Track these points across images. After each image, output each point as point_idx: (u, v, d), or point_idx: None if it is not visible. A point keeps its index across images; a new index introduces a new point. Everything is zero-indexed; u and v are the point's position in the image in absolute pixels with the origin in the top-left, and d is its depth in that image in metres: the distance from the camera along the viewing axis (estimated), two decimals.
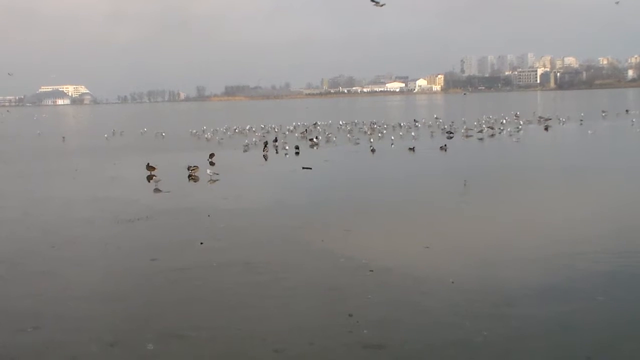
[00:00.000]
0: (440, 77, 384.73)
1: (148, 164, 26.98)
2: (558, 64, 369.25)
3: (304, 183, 24.67)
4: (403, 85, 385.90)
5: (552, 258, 12.68)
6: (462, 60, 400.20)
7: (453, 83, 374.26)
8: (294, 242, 14.53)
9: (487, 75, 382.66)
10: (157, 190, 23.04)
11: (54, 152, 42.74)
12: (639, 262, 12.35)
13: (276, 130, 53.91)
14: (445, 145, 35.51)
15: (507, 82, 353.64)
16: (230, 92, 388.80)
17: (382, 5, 27.34)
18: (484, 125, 48.94)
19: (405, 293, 10.92)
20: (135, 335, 9.41)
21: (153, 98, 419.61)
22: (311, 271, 12.32)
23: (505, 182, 23.70)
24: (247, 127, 56.85)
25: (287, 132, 51.37)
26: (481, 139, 41.67)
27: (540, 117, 59.02)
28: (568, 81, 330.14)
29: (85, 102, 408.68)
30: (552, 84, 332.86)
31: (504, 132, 45.58)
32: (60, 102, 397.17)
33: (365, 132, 48.02)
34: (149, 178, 25.58)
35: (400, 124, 54.90)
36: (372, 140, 39.84)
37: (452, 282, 11.31)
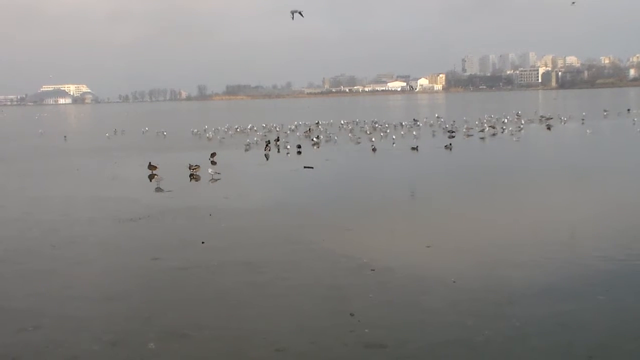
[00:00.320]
0: (442, 76, 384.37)
1: (149, 163, 27.00)
2: (560, 63, 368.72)
3: (305, 182, 24.67)
4: (404, 84, 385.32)
5: (553, 257, 12.67)
6: (463, 60, 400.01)
7: (454, 82, 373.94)
8: (295, 242, 14.52)
9: (488, 74, 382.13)
10: (158, 189, 23.04)
11: (55, 151, 42.76)
12: (639, 261, 12.35)
13: (277, 129, 53.93)
14: (450, 144, 35.53)
15: (509, 81, 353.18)
16: (232, 91, 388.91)
17: (295, 14, 27.23)
18: (485, 125, 48.90)
19: (406, 292, 10.92)
20: (136, 334, 9.42)
21: (154, 97, 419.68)
22: (312, 270, 12.32)
23: (506, 181, 23.70)
24: (249, 127, 56.83)
25: (288, 132, 51.38)
26: (483, 138, 41.65)
27: (541, 117, 59.00)
28: (570, 80, 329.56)
29: (87, 101, 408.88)
30: (553, 83, 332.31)
31: (506, 131, 45.53)
32: (61, 101, 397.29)
33: (367, 132, 47.91)
34: (151, 177, 25.58)
35: (401, 123, 54.91)
36: (373, 139, 39.82)
37: (454, 282, 11.31)
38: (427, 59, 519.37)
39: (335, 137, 44.11)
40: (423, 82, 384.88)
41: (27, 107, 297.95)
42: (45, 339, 9.36)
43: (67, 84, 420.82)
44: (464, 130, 46.05)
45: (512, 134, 43.59)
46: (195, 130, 55.67)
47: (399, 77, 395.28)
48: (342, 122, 59.96)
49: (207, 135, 50.57)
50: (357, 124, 57.97)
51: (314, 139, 41.53)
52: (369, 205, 18.94)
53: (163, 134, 54.16)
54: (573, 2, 50.88)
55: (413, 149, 34.27)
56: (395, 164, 29.91)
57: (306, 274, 12.15)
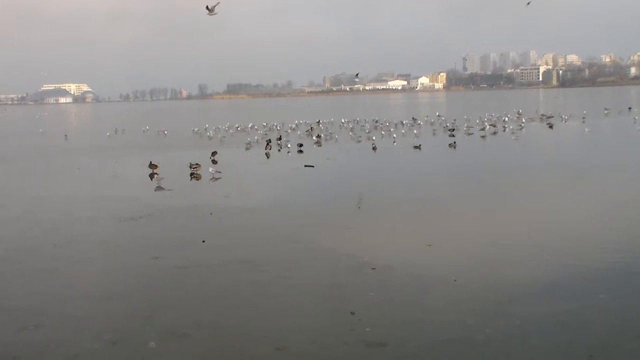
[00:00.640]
0: (443, 74, 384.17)
1: (150, 162, 26.99)
2: (560, 61, 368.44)
3: (306, 181, 24.66)
4: (405, 83, 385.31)
5: (553, 256, 12.66)
6: (464, 58, 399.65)
7: (455, 81, 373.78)
8: (295, 240, 14.52)
9: (489, 73, 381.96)
10: (159, 188, 23.04)
11: (56, 150, 42.77)
12: None
13: (278, 128, 53.91)
14: (455, 142, 35.54)
15: (510, 80, 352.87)
16: (232, 90, 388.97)
17: (212, 9, 26.48)
18: (486, 123, 48.88)
19: (407, 291, 10.91)
20: (137, 333, 9.42)
21: (155, 96, 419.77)
22: (313, 269, 12.32)
23: (507, 180, 23.68)
24: (249, 125, 56.83)
25: (289, 130, 51.37)
26: (483, 136, 41.62)
27: (542, 115, 58.94)
28: (570, 79, 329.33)
29: (88, 100, 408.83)
30: (554, 82, 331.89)
31: (507, 129, 45.49)
32: (62, 100, 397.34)
33: (367, 131, 47.81)
34: (151, 176, 25.58)
35: (402, 122, 54.88)
36: (374, 138, 39.80)
37: (454, 280, 11.31)
38: (428, 57, 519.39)
39: (336, 136, 44.10)
40: (424, 80, 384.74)
41: (27, 106, 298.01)
42: (46, 338, 9.37)
43: (68, 83, 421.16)
44: (465, 128, 46.03)
45: (513, 133, 43.55)
46: (196, 129, 55.69)
47: (400, 76, 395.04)
48: (342, 120, 59.96)
49: (208, 134, 50.56)
50: (357, 123, 57.95)
51: (315, 137, 41.48)
52: (369, 204, 18.95)
53: (164, 132, 54.18)
54: (528, 3, 50.44)
55: (416, 147, 34.22)
56: (396, 163, 29.89)
57: (307, 272, 12.14)
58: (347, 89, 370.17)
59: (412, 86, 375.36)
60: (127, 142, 48.06)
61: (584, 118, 54.87)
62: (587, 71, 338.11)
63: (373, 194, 20.76)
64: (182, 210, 18.62)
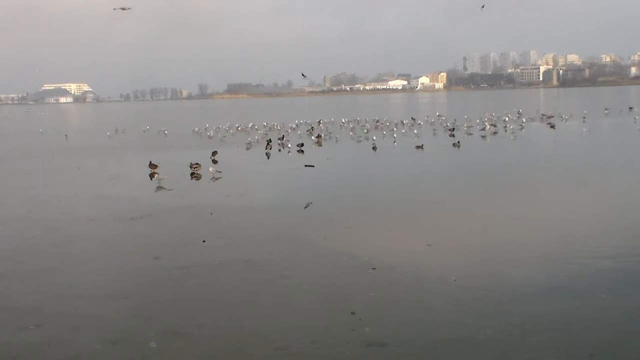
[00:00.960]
0: (443, 74, 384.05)
1: (150, 161, 26.99)
2: (561, 61, 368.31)
3: (306, 181, 24.65)
4: (405, 83, 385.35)
5: (554, 255, 12.65)
6: (464, 58, 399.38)
7: (455, 80, 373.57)
8: (296, 240, 14.52)
9: (489, 72, 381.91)
10: (159, 188, 23.04)
11: (56, 150, 42.78)
12: None
13: (279, 128, 53.91)
14: (459, 142, 35.50)
15: (510, 80, 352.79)
16: (233, 90, 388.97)
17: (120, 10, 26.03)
18: (486, 123, 48.85)
19: (407, 291, 10.90)
20: (137, 333, 9.41)
21: (156, 96, 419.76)
22: (313, 269, 12.31)
23: (507, 179, 23.67)
24: (250, 125, 56.84)
25: (289, 130, 51.36)
26: (483, 136, 41.60)
27: (542, 115, 58.91)
28: (571, 78, 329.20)
29: (88, 100, 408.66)
30: (554, 82, 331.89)
31: (507, 129, 45.46)
32: (62, 100, 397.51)
33: (365, 131, 47.69)
34: (152, 176, 25.57)
35: (402, 122, 54.85)
36: (374, 138, 39.78)
37: (455, 280, 11.30)
38: (428, 57, 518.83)
39: (337, 136, 44.09)
40: (424, 80, 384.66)
41: (28, 106, 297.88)
42: (47, 338, 9.36)
43: (68, 82, 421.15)
44: (465, 128, 46.00)
45: (513, 132, 43.54)
46: (196, 128, 55.70)
47: (400, 76, 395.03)
48: (343, 120, 59.95)
49: (208, 133, 50.56)
50: (358, 123, 57.93)
51: (315, 137, 41.48)
52: (369, 204, 18.93)
53: (164, 132, 54.18)
54: (482, 6, 50.34)
55: (418, 147, 34.14)
56: (396, 162, 29.90)
57: (307, 272, 12.14)
58: (347, 89, 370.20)
59: (412, 86, 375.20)
60: (127, 141, 48.08)
61: (584, 118, 54.86)
62: (587, 71, 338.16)
63: (373, 194, 20.75)
64: (183, 210, 18.61)
